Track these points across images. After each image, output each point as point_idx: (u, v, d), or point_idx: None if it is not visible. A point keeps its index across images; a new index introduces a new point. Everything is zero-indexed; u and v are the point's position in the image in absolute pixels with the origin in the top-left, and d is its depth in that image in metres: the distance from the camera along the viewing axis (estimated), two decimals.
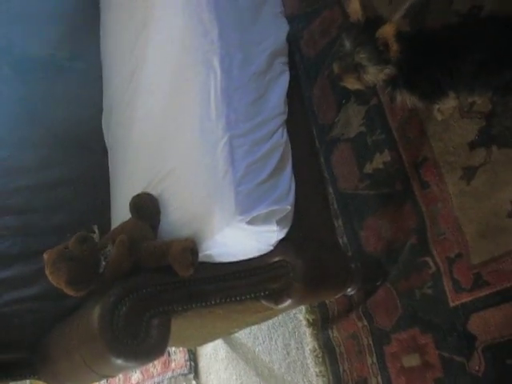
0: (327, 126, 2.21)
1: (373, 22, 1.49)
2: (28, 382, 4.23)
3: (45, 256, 1.42)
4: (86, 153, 2.22)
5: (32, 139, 2.18)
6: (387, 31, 1.41)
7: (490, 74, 1.53)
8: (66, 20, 2.45)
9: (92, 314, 1.30)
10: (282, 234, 1.46)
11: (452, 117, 1.76)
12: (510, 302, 1.55)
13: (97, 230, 1.48)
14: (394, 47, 1.42)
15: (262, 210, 1.38)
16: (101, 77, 2.38)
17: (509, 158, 1.60)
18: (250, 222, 1.36)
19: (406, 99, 1.62)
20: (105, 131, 2.26)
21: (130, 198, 1.64)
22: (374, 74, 1.52)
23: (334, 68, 1.58)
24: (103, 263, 1.43)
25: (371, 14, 1.54)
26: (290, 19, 2.29)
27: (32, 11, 2.44)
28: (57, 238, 1.57)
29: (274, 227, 1.42)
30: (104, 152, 2.21)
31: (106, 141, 2.23)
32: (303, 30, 2.44)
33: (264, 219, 1.39)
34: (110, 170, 2.13)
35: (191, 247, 1.39)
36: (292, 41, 2.06)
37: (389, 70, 1.51)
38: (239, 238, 1.42)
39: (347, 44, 1.51)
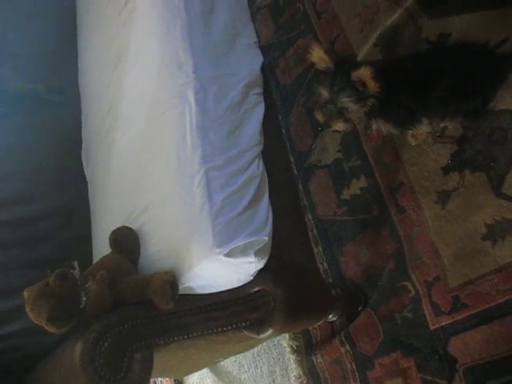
0: (304, 153, 2.24)
1: (343, 64, 1.51)
2: None
3: (25, 293, 1.40)
4: (66, 185, 2.22)
5: (10, 173, 2.17)
6: (363, 74, 1.43)
7: (459, 100, 1.58)
8: (45, 54, 2.46)
9: (73, 350, 1.29)
10: (260, 265, 1.47)
11: (425, 142, 1.79)
12: (488, 323, 1.57)
13: (77, 266, 1.47)
14: (372, 85, 1.45)
15: (239, 242, 1.39)
16: (80, 110, 2.39)
17: (481, 182, 1.64)
18: (228, 255, 1.37)
19: (381, 126, 1.65)
20: (84, 163, 2.26)
21: (110, 231, 1.64)
22: (358, 111, 1.55)
23: (317, 117, 1.59)
24: (84, 299, 1.43)
25: (335, 56, 1.55)
26: (266, 48, 2.34)
27: (10, 46, 2.45)
28: (38, 273, 1.56)
29: (252, 258, 1.43)
30: (84, 184, 2.21)
31: (86, 173, 2.23)
32: (279, 58, 2.47)
33: (242, 251, 1.40)
34: (90, 202, 2.13)
35: (171, 281, 1.40)
36: (268, 69, 2.10)
37: (371, 104, 1.53)
38: (218, 270, 1.43)
39: (325, 92, 1.53)
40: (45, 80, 2.46)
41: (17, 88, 2.38)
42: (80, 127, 2.37)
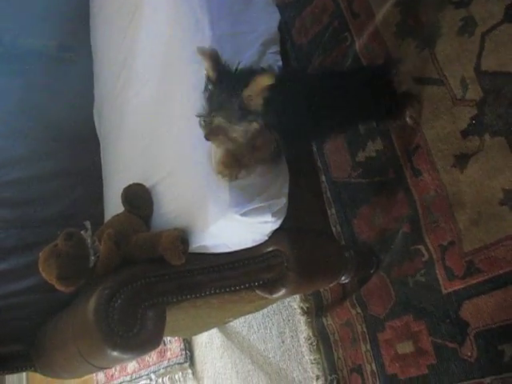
0: None
1: (228, 76, 1.36)
2: (24, 374, 4.26)
3: (40, 254, 1.43)
4: (78, 144, 2.22)
5: (23, 131, 2.17)
6: (262, 82, 1.29)
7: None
8: (56, 11, 2.44)
9: (87, 306, 1.29)
10: (276, 225, 1.46)
11: (444, 105, 1.76)
12: (502, 288, 1.56)
13: (89, 226, 1.48)
14: (258, 100, 1.31)
15: (257, 204, 1.38)
16: (91, 68, 2.37)
17: (501, 146, 1.60)
18: (244, 214, 1.36)
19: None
20: (96, 122, 2.25)
21: (121, 191, 1.64)
22: (241, 132, 1.37)
23: (201, 127, 1.41)
24: (92, 258, 1.44)
25: (223, 65, 1.39)
26: (282, 8, 2.28)
27: (22, 3, 2.42)
28: (51, 230, 1.58)
29: (269, 218, 1.41)
30: (96, 143, 2.20)
31: (98, 132, 2.22)
32: (295, 18, 2.42)
33: (259, 211, 1.39)
34: (103, 161, 2.13)
35: (181, 236, 1.40)
36: (284, 29, 2.05)
37: (256, 125, 1.36)
38: (234, 229, 1.42)
39: (205, 106, 1.38)
40: (56, 37, 2.43)
41: (27, 45, 2.35)
42: (92, 85, 2.34)
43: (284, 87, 1.38)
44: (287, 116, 1.40)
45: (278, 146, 1.43)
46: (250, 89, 1.31)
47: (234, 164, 1.41)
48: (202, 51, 1.38)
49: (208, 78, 1.40)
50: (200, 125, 1.40)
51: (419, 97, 1.81)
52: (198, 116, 1.39)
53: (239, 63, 1.38)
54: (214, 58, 1.37)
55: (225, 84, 1.35)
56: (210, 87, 1.39)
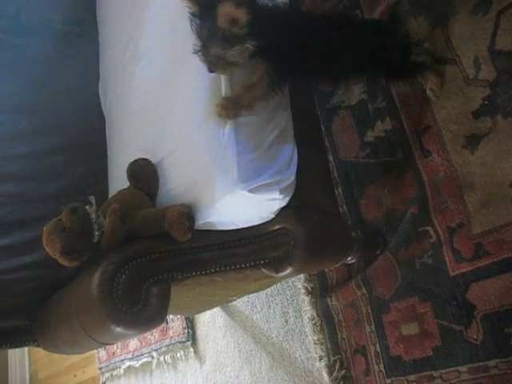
0: (328, 94, 2.18)
1: (209, 7, 1.35)
2: (27, 349, 4.28)
3: (44, 229, 1.42)
4: (83, 119, 2.20)
5: (27, 105, 2.15)
6: (226, 11, 1.29)
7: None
8: None
9: (91, 281, 1.29)
10: (284, 202, 1.44)
11: (456, 85, 1.73)
12: (511, 271, 1.55)
13: (93, 201, 1.46)
14: (241, 15, 1.29)
15: (265, 180, 1.36)
16: (97, 42, 2.33)
17: None
18: (252, 191, 1.34)
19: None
20: (102, 98, 2.22)
21: (127, 165, 1.62)
22: (239, 55, 1.39)
23: (202, 61, 1.44)
24: (97, 233, 1.43)
25: None
26: None
27: None
28: (54, 206, 1.58)
29: (277, 195, 1.40)
30: (101, 119, 2.18)
31: (103, 108, 2.20)
32: None
33: (267, 188, 1.37)
34: (108, 137, 2.11)
35: (187, 212, 1.39)
36: (294, 4, 2.01)
37: (248, 44, 1.37)
38: (241, 206, 1.40)
39: (196, 41, 1.41)
40: (61, 10, 2.39)
41: (31, 18, 2.32)
42: (98, 60, 2.31)
43: (274, 19, 1.43)
44: (277, 44, 1.42)
45: (271, 77, 1.44)
46: (220, 20, 1.32)
47: (230, 105, 1.43)
48: None
49: (192, 14, 1.41)
50: (200, 60, 1.43)
51: (440, 72, 1.77)
52: (195, 53, 1.42)
53: None
54: None
55: (208, 15, 1.36)
56: (196, 21, 1.41)
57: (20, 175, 2.00)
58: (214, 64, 1.42)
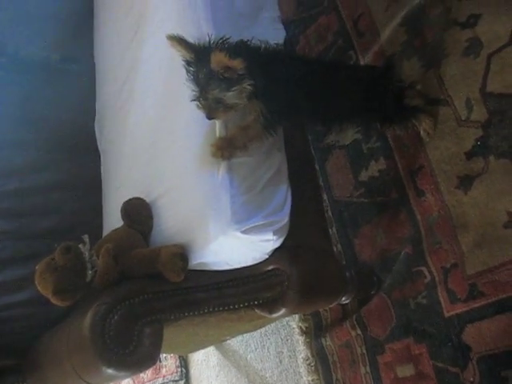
0: (322, 133, 2.20)
1: (204, 52, 1.39)
2: None
3: (36, 267, 1.41)
4: (78, 156, 2.20)
5: (23, 141, 2.16)
6: (219, 59, 1.32)
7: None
8: (60, 22, 2.43)
9: (83, 322, 1.27)
10: (277, 243, 1.45)
11: (448, 126, 1.75)
12: (506, 313, 1.53)
13: (87, 240, 1.46)
14: (236, 63, 1.32)
15: (258, 221, 1.36)
16: (94, 80, 2.36)
17: (506, 169, 1.59)
18: (245, 232, 1.34)
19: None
20: (98, 135, 2.23)
21: (122, 204, 1.62)
22: (238, 95, 1.40)
23: (201, 109, 1.46)
24: (90, 272, 1.42)
25: (195, 45, 1.43)
26: (287, 24, 2.28)
27: (25, 12, 2.41)
28: (47, 243, 1.56)
29: (271, 236, 1.40)
30: (96, 156, 2.18)
31: (99, 144, 2.21)
32: (299, 35, 2.42)
33: (260, 229, 1.37)
34: (103, 174, 2.11)
35: (180, 252, 1.38)
36: (288, 46, 2.05)
37: (246, 84, 1.39)
38: (234, 247, 1.40)
39: (193, 87, 1.43)
40: (59, 48, 2.42)
41: (30, 56, 2.35)
42: (94, 98, 2.33)
43: (268, 61, 1.45)
44: (271, 85, 1.44)
45: (266, 118, 1.45)
46: (213, 65, 1.34)
47: (225, 146, 1.45)
48: (171, 37, 1.41)
49: (187, 62, 1.43)
50: (199, 108, 1.44)
51: (433, 113, 1.79)
52: (193, 100, 1.43)
53: (210, 36, 1.42)
54: (184, 42, 1.41)
55: (204, 59, 1.37)
56: (191, 69, 1.42)
57: (13, 212, 1.99)
58: (213, 109, 1.42)
